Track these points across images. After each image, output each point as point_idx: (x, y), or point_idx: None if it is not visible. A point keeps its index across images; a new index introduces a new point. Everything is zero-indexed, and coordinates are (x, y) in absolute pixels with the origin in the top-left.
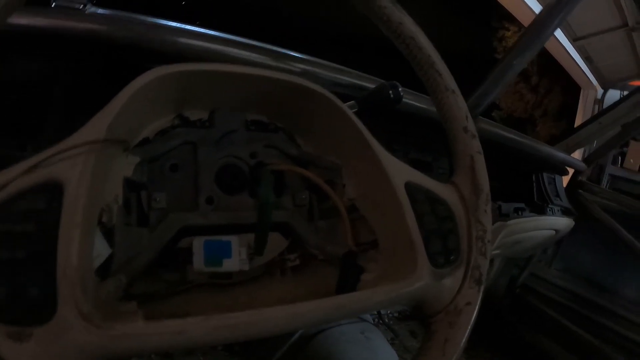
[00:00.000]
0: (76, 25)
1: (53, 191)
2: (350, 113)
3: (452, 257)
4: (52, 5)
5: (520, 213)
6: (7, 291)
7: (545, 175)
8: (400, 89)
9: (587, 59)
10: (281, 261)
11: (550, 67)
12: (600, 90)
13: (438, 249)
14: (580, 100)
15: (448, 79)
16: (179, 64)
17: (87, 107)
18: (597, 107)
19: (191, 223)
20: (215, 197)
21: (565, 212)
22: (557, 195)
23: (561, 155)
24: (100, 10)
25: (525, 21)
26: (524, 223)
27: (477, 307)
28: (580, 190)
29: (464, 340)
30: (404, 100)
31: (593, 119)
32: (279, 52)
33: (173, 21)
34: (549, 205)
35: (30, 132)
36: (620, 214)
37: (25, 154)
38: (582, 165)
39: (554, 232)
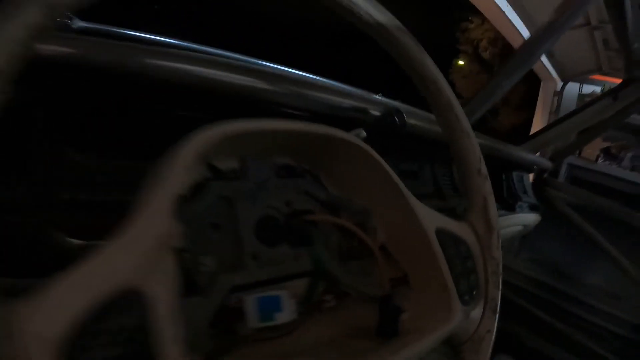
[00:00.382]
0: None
1: (136, 304)
2: (383, 162)
3: (474, 294)
4: None
5: None
6: None
7: (514, 174)
8: (404, 114)
9: (549, 54)
10: (318, 302)
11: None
12: (560, 83)
13: (465, 288)
14: (540, 92)
15: (465, 122)
16: (226, 124)
17: (72, 135)
18: (556, 98)
19: (239, 282)
20: (259, 252)
21: (532, 208)
22: (525, 192)
23: (530, 156)
24: (86, 24)
25: (515, 43)
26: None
27: (494, 332)
28: (546, 187)
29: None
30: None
31: (560, 120)
32: (276, 74)
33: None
34: (519, 203)
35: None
36: (581, 207)
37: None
38: (548, 163)
39: (522, 227)
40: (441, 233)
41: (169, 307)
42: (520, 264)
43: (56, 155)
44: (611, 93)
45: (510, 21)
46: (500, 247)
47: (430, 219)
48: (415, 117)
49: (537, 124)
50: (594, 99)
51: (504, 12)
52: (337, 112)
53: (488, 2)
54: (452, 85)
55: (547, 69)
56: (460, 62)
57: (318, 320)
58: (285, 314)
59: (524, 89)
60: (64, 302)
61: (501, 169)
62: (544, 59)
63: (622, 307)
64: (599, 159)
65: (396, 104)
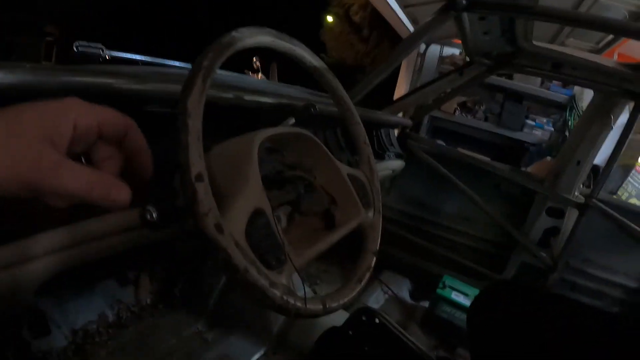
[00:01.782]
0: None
1: (262, 213)
2: (318, 140)
3: (369, 203)
4: (75, 49)
5: None
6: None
7: (382, 130)
8: (316, 105)
9: (414, 21)
10: (294, 217)
11: (381, 22)
12: (423, 46)
13: (364, 201)
14: None
15: (356, 116)
16: (267, 130)
17: None
18: (419, 59)
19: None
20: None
21: (397, 156)
22: (392, 144)
23: (393, 117)
24: (114, 53)
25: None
26: None
27: (381, 221)
28: (408, 139)
29: (379, 236)
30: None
31: (414, 91)
32: (235, 85)
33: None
34: (387, 152)
35: None
36: (437, 154)
37: None
38: (409, 121)
39: (391, 171)
40: (349, 175)
41: (271, 215)
42: (392, 200)
43: None
44: (458, 70)
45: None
46: (378, 181)
47: (344, 169)
48: (321, 104)
49: (402, 79)
50: (444, 74)
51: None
52: (278, 107)
53: None
54: (324, 45)
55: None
56: (329, 19)
57: (296, 226)
58: (283, 223)
59: (390, 50)
60: (239, 215)
61: (373, 127)
62: (409, 25)
63: (471, 226)
64: (457, 111)
65: (310, 96)
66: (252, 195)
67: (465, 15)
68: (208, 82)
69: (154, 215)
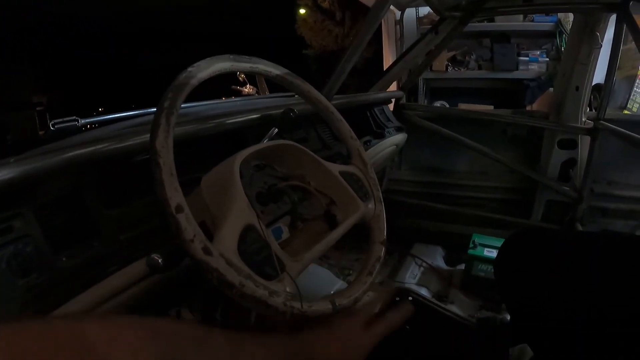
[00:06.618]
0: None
1: (253, 228)
2: (303, 148)
3: (367, 195)
4: (52, 127)
5: (369, 144)
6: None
7: (375, 109)
8: (294, 109)
9: None
10: (296, 226)
11: (350, 2)
12: (398, 12)
13: (361, 195)
14: (382, 25)
15: (336, 113)
16: (253, 147)
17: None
18: (398, 27)
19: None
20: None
21: (398, 130)
22: (389, 120)
23: (382, 94)
24: (88, 120)
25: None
26: (374, 149)
27: (384, 211)
28: (403, 110)
29: (385, 225)
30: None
31: (397, 61)
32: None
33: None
34: (386, 129)
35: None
36: (436, 117)
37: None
38: (400, 93)
39: (395, 146)
40: (342, 173)
41: (263, 229)
42: (404, 173)
43: (101, 213)
44: (432, 30)
45: None
46: (373, 171)
47: (334, 168)
48: (299, 105)
49: (387, 53)
50: (420, 37)
51: None
52: (260, 121)
53: None
54: (302, 38)
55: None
56: (302, 11)
57: (300, 233)
58: (285, 235)
59: None
60: (230, 234)
61: (366, 108)
62: None
63: (488, 178)
64: (449, 68)
65: (288, 100)
66: (239, 213)
67: None
68: (172, 120)
69: (160, 261)
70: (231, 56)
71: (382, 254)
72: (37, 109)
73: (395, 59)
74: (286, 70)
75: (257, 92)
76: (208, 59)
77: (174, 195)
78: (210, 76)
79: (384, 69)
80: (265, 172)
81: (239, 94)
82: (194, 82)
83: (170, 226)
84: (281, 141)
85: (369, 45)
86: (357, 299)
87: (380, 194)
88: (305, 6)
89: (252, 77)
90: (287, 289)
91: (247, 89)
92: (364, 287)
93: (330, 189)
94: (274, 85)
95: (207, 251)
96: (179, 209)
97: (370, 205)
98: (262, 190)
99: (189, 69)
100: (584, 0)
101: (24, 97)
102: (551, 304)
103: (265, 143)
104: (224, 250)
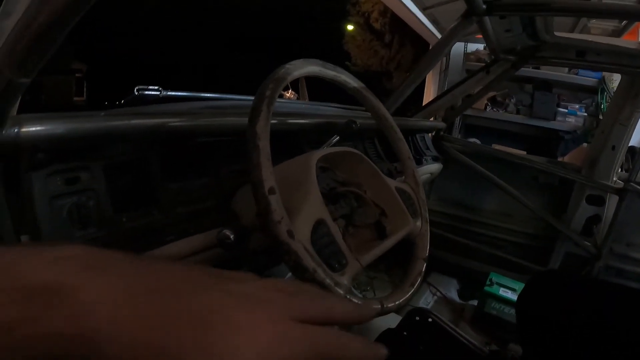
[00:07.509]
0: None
1: (323, 223)
2: (365, 157)
3: (416, 213)
4: (136, 92)
5: None
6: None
7: (417, 136)
8: (356, 120)
9: (434, 22)
10: (348, 230)
11: (401, 26)
12: None
13: (411, 211)
14: None
15: (398, 132)
16: (324, 149)
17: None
18: (445, 59)
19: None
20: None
21: (434, 160)
22: (428, 148)
23: (426, 122)
24: (170, 92)
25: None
26: None
27: (429, 231)
28: (442, 142)
29: (428, 243)
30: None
31: (445, 93)
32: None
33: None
34: (424, 157)
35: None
36: (472, 153)
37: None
38: (443, 124)
39: (430, 175)
40: (397, 189)
41: (332, 224)
42: (433, 203)
43: (162, 184)
44: (484, 69)
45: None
46: (423, 192)
47: (391, 183)
48: (359, 119)
49: (429, 82)
50: (471, 74)
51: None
52: (320, 127)
53: None
54: (348, 54)
55: (434, 34)
56: (350, 27)
57: (349, 237)
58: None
59: (413, 52)
60: (304, 225)
61: (408, 133)
62: (430, 26)
63: (512, 221)
64: (487, 107)
65: (346, 112)
66: (314, 207)
67: (486, 17)
68: (271, 109)
69: (231, 237)
70: (320, 62)
71: (423, 269)
72: (77, 75)
73: (436, 88)
74: (363, 85)
75: (298, 98)
76: (302, 60)
77: (269, 177)
78: (302, 76)
79: (424, 96)
80: (327, 175)
81: (280, 97)
82: (291, 77)
83: (259, 206)
84: (348, 149)
85: (412, 48)
86: (400, 305)
87: (427, 215)
88: (356, 23)
89: (294, 83)
90: (346, 283)
91: (289, 93)
92: (406, 295)
93: (384, 201)
94: (313, 93)
95: (290, 234)
96: (272, 190)
97: (418, 223)
98: (324, 191)
99: (287, 65)
100: (633, 64)
101: (63, 65)
102: (573, 351)
103: (334, 148)
104: (301, 238)
